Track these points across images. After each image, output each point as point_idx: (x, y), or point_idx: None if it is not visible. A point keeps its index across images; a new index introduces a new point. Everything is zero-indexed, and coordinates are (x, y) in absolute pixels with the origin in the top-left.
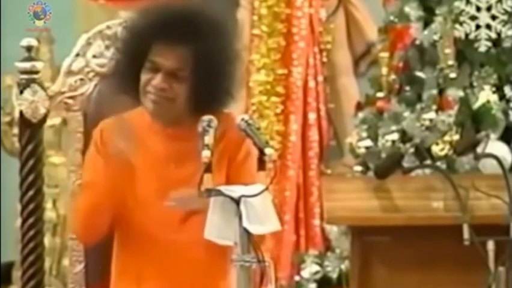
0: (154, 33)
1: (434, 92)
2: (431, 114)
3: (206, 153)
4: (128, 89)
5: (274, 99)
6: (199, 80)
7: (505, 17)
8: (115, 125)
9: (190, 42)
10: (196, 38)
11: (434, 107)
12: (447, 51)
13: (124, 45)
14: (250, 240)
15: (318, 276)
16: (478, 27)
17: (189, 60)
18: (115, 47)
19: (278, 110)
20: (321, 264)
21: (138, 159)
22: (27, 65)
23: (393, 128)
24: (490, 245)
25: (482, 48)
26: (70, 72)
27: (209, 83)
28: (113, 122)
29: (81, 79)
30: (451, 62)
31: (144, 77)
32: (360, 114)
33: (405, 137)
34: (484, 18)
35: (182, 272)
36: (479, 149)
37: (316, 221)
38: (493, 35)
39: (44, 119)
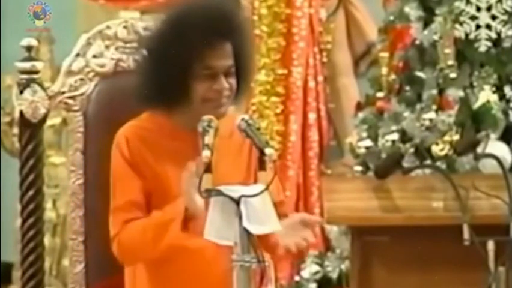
0: (203, 38)
1: (434, 92)
2: (431, 114)
3: (206, 153)
4: (171, 94)
5: (274, 99)
6: (240, 72)
7: (505, 17)
8: (140, 135)
9: (231, 37)
10: (234, 32)
11: (434, 107)
12: (447, 51)
13: (167, 51)
14: (250, 240)
15: (318, 276)
16: (478, 27)
17: (233, 55)
18: (144, 57)
19: (278, 110)
20: (321, 264)
21: (169, 171)
22: (27, 65)
23: (393, 128)
24: (490, 245)
25: (482, 48)
26: (70, 72)
27: (246, 75)
28: (137, 131)
29: (81, 79)
30: (451, 62)
31: (202, 85)
32: (360, 114)
33: (405, 137)
34: (484, 18)
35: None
36: (479, 149)
37: None
38: (493, 35)
39: (44, 119)
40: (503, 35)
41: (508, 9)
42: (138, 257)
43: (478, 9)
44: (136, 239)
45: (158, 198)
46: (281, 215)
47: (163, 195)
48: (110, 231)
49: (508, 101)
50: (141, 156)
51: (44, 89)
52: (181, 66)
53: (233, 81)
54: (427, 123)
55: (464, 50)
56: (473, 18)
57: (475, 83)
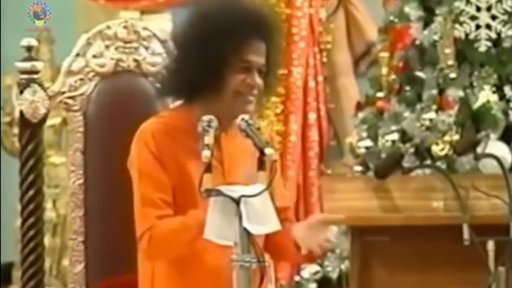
0: (245, 32)
1: (434, 92)
2: (431, 114)
3: (206, 153)
4: (204, 84)
5: (274, 99)
6: (268, 74)
7: (505, 17)
8: (164, 131)
9: (266, 39)
10: (269, 36)
11: (434, 107)
12: (447, 51)
13: (207, 40)
14: (250, 240)
15: (318, 276)
16: (478, 27)
17: (265, 55)
18: (178, 48)
19: (278, 110)
20: (321, 264)
21: (191, 167)
22: (27, 65)
23: (393, 128)
24: (490, 245)
25: (482, 48)
26: (70, 72)
27: (272, 77)
28: (161, 127)
29: (81, 79)
30: (451, 62)
31: (237, 77)
32: (360, 114)
33: (405, 137)
34: (484, 18)
35: None
36: (479, 149)
37: None
38: (493, 35)
39: (44, 119)
40: (503, 35)
41: (508, 9)
42: (172, 253)
43: (478, 9)
44: (174, 236)
45: (182, 194)
46: (285, 220)
47: (186, 192)
48: (140, 226)
49: (508, 101)
50: (167, 152)
51: (44, 89)
52: (218, 57)
53: (261, 80)
54: (427, 123)
55: (464, 50)
56: (473, 18)
57: (475, 83)
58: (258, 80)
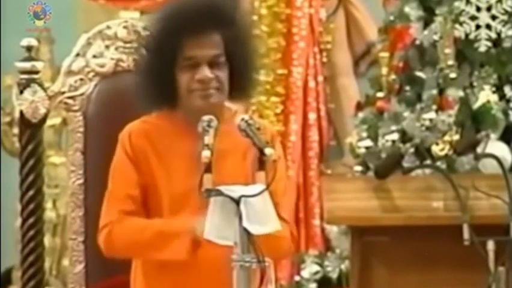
0: (183, 29)
1: (434, 92)
2: (431, 114)
3: (206, 153)
4: (165, 90)
5: (274, 99)
6: (235, 65)
7: (505, 17)
8: (145, 131)
9: (218, 28)
10: (223, 24)
11: (434, 107)
12: (447, 51)
13: (153, 47)
14: (250, 240)
15: (318, 276)
16: (478, 27)
17: (222, 45)
18: (141, 50)
19: (278, 110)
20: (321, 264)
21: (173, 165)
22: (27, 65)
23: (393, 128)
24: (490, 245)
25: (482, 48)
26: (70, 72)
27: (243, 68)
28: (143, 126)
29: (81, 79)
30: (451, 62)
31: (185, 76)
32: (360, 114)
33: (405, 137)
34: (484, 18)
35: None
36: (479, 149)
37: (317, 221)
38: (493, 35)
39: (44, 119)
40: (503, 35)
41: (508, 9)
42: (126, 253)
43: (478, 9)
44: (131, 236)
45: (150, 196)
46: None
47: (152, 193)
48: (102, 219)
49: (508, 101)
50: (142, 152)
51: (44, 89)
52: (166, 59)
53: (220, 73)
54: (427, 123)
55: (464, 50)
56: (473, 18)
57: (475, 83)
58: (209, 74)
